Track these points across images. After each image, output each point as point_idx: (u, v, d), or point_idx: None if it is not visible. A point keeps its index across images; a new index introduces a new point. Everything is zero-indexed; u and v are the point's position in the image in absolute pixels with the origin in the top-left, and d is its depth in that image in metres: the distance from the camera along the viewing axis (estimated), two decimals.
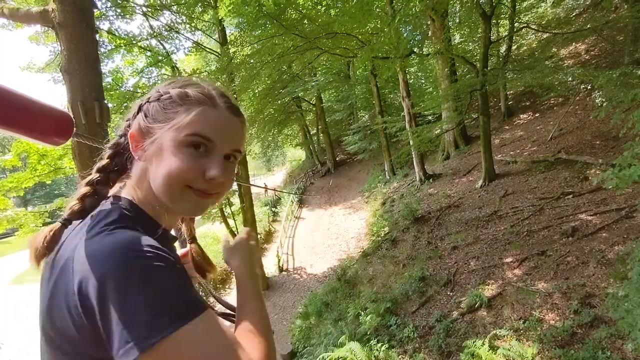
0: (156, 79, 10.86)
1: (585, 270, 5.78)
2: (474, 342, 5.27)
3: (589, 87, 11.10)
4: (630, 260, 4.06)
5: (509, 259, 6.99)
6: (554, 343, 4.74)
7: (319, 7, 12.41)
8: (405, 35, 13.83)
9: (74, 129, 0.81)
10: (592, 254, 6.01)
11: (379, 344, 6.11)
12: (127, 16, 10.04)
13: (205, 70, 12.89)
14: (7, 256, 30.63)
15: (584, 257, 6.08)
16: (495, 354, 4.91)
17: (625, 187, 3.84)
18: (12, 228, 9.75)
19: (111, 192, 0.78)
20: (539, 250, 6.79)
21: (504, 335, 5.22)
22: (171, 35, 11.25)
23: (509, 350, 4.84)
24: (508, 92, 16.90)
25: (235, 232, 13.41)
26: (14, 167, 9.73)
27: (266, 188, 19.33)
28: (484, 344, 5.09)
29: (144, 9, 10.52)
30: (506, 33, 15.76)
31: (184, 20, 11.51)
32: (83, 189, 0.73)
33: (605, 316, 4.66)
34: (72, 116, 0.81)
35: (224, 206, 13.21)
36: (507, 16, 15.15)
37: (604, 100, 8.77)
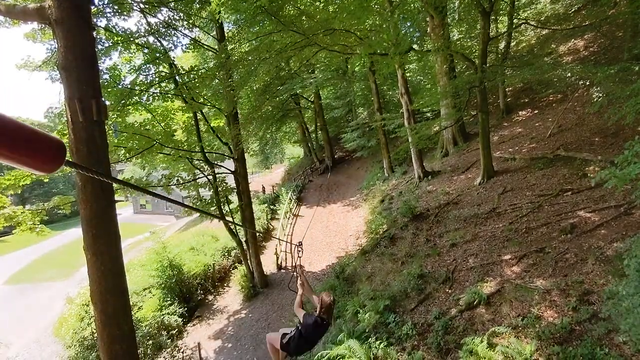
0: (154, 76, 10.77)
1: (583, 267, 5.79)
2: (472, 339, 5.28)
3: (587, 84, 11.09)
4: (627, 256, 4.06)
5: (507, 256, 7.00)
6: (553, 340, 4.76)
7: (317, 3, 12.33)
8: (404, 32, 13.78)
9: (66, 157, 0.79)
10: (591, 251, 6.03)
11: (378, 342, 6.12)
12: (125, 13, 9.94)
13: (203, 68, 12.81)
14: (4, 255, 30.49)
15: (583, 254, 6.09)
16: (493, 351, 4.92)
17: (623, 185, 3.84)
18: (9, 226, 9.72)
19: None
20: (538, 248, 6.80)
21: (503, 333, 5.23)
22: (169, 32, 11.14)
23: (508, 347, 4.85)
24: (507, 89, 16.88)
25: (235, 230, 13.39)
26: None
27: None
28: (482, 341, 5.10)
29: (142, 5, 10.43)
30: (505, 29, 15.73)
31: (182, 17, 11.40)
32: None
33: (604, 313, 4.66)
34: (64, 143, 0.80)
35: (222, 204, 13.19)
36: (506, 12, 15.11)
37: (600, 95, 8.76)
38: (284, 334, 4.47)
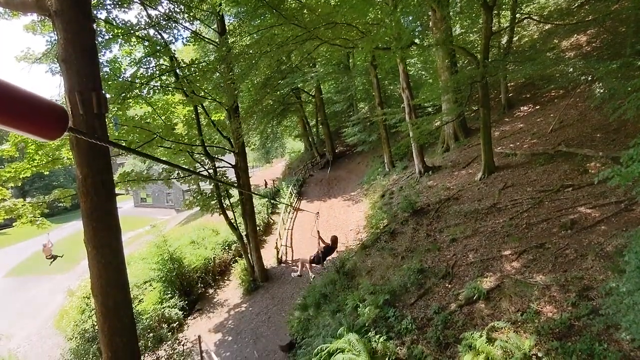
0: (154, 69, 10.71)
1: (583, 263, 5.80)
2: (471, 334, 5.30)
3: (589, 79, 11.03)
4: (627, 252, 4.06)
5: (507, 252, 7.01)
6: (552, 335, 4.77)
7: None
8: (405, 26, 13.69)
9: (69, 123, 0.79)
10: (591, 247, 6.03)
11: (377, 336, 6.15)
12: (125, 5, 9.87)
13: (204, 61, 12.75)
14: (4, 248, 30.57)
15: (583, 250, 6.10)
16: (492, 345, 4.94)
17: (627, 183, 3.83)
18: (10, 219, 9.75)
19: None
20: (538, 243, 6.80)
21: (502, 328, 5.25)
22: (169, 24, 11.05)
23: (507, 342, 4.87)
24: (509, 84, 16.81)
25: (235, 224, 13.41)
26: (12, 158, 9.68)
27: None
28: (481, 336, 5.12)
29: None
30: (507, 24, 15.61)
31: (183, 10, 11.30)
32: None
33: (603, 309, 4.68)
34: (67, 110, 0.79)
35: (223, 198, 13.19)
36: (508, 7, 15.00)
37: (601, 91, 8.73)
38: (310, 256, 10.20)
